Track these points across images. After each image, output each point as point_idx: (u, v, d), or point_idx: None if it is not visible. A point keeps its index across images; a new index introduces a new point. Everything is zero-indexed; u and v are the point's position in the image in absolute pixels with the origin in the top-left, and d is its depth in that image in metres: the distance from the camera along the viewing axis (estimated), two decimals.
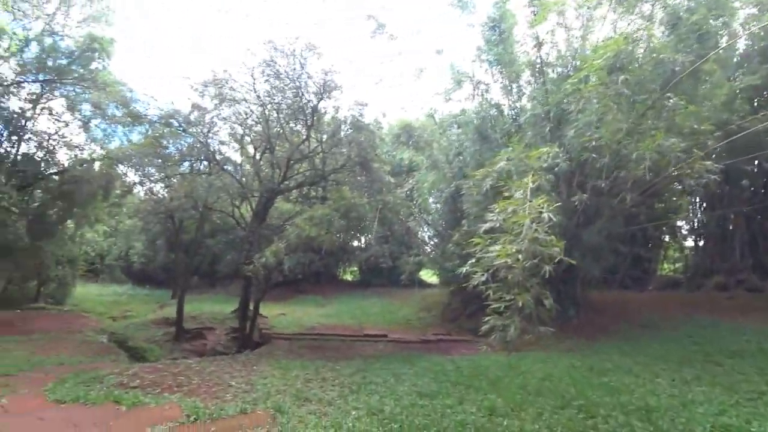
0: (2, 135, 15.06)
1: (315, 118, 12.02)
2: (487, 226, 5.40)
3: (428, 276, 28.32)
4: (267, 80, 11.73)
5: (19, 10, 12.62)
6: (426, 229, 18.34)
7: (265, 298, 12.86)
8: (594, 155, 8.87)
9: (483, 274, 5.06)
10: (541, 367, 8.02)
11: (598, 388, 6.13)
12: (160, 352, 12.31)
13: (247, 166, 14.87)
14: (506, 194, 5.52)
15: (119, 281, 29.76)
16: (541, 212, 4.74)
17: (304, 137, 12.23)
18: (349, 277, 29.06)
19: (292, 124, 12.98)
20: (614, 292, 16.09)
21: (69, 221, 17.93)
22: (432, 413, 5.01)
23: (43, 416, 4.27)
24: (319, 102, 11.87)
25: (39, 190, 16.45)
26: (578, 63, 11.49)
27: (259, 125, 13.22)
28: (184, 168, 14.28)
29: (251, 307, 12.18)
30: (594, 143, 8.79)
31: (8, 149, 15.30)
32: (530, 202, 4.83)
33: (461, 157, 14.64)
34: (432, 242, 18.05)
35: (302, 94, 11.92)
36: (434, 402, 5.41)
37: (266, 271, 7.95)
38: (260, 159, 13.54)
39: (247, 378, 6.13)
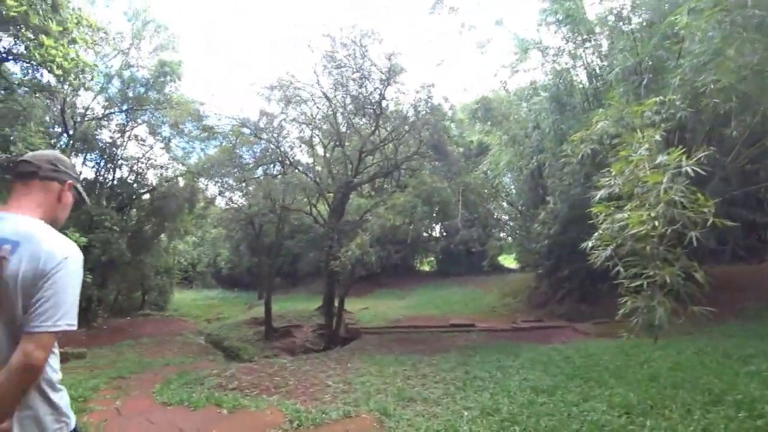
0: (99, 164, 16.52)
1: (383, 105, 11.56)
2: (602, 192, 4.57)
3: (507, 261, 27.04)
4: (329, 74, 11.48)
5: (99, 46, 13.61)
6: (505, 211, 17.21)
7: (347, 293, 12.71)
8: (715, 100, 7.45)
9: (605, 249, 4.25)
10: (662, 354, 6.86)
11: (748, 378, 4.97)
12: (252, 350, 12.67)
13: (318, 167, 14.88)
14: (622, 153, 4.59)
15: (210, 286, 31.92)
16: (680, 167, 3.81)
17: (373, 128, 11.83)
18: (426, 268, 28.58)
19: (359, 117, 12.64)
20: (724, 265, 13.92)
21: (162, 235, 19.28)
22: (556, 413, 4.29)
23: (152, 419, 4.20)
24: (385, 89, 11.39)
25: (134, 210, 17.83)
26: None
27: (326, 122, 13.06)
28: (259, 174, 14.71)
29: (336, 303, 12.07)
30: (712, 86, 7.37)
31: (105, 176, 16.75)
32: (665, 155, 3.91)
33: (539, 131, 13.41)
34: (512, 224, 16.88)
35: (367, 83, 11.53)
36: (554, 399, 4.66)
37: (352, 265, 7.65)
38: (331, 155, 13.41)
39: (343, 377, 5.81)
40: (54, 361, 1.31)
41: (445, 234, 18.31)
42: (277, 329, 13.60)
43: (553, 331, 10.77)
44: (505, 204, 16.91)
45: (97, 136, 15.89)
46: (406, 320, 13.85)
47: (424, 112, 11.07)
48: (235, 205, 18.37)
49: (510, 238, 17.73)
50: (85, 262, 1.36)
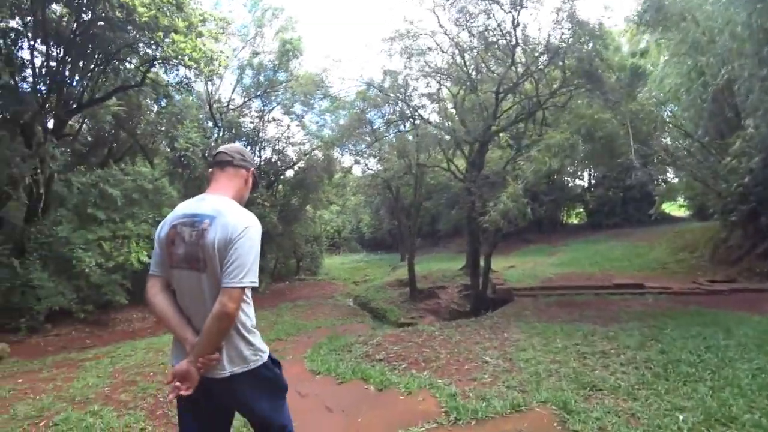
0: (246, 148, 18.07)
1: (517, 34, 9.83)
2: None
3: (671, 208, 22.42)
4: (451, 5, 10.11)
5: (226, 37, 14.57)
6: (678, 144, 13.79)
7: (493, 251, 11.68)
8: None
9: None
10: None
11: None
12: (398, 312, 12.68)
13: (449, 122, 13.79)
14: None
15: (355, 250, 33.92)
16: None
17: (509, 63, 10.20)
18: (574, 220, 25.59)
19: (491, 54, 11.05)
20: None
21: (308, 206, 20.66)
22: None
23: (302, 391, 4.01)
24: (519, 13, 9.62)
25: (280, 186, 19.28)
26: None
27: (455, 67, 11.78)
28: (391, 135, 14.37)
29: (481, 262, 11.19)
30: None
31: (254, 158, 18.36)
32: None
33: (730, 31, 9.94)
34: (688, 160, 13.38)
35: (495, 12, 9.91)
36: None
37: (504, 219, 6.60)
38: (462, 104, 12.17)
39: (502, 350, 4.96)
40: (248, 309, 1.63)
41: (603, 177, 15.53)
42: (422, 290, 13.36)
43: (761, 296, 8.22)
44: (676, 135, 13.50)
45: (241, 125, 17.35)
46: (561, 279, 12.31)
47: (569, 33, 9.02)
48: (371, 171, 18.71)
49: (684, 178, 14.22)
50: None
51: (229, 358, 1.54)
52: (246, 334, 1.60)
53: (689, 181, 13.36)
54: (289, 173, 19.44)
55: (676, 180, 16.50)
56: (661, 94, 13.33)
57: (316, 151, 18.42)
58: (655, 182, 15.20)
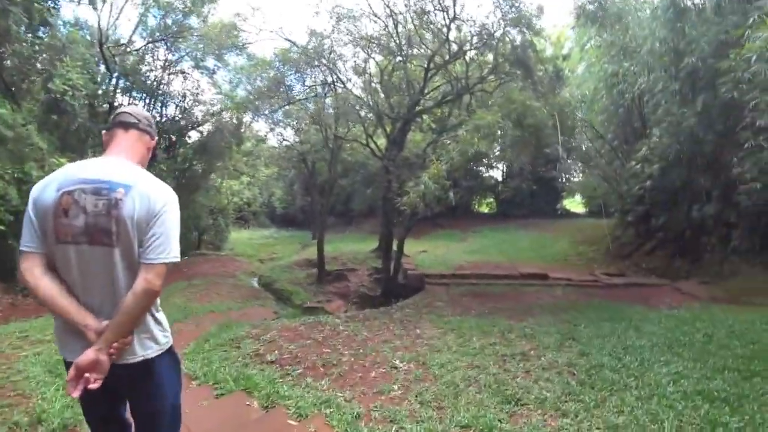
0: (146, 102, 15.56)
1: (456, 8, 9.20)
2: None
3: (572, 204, 24.42)
4: None
5: None
6: (591, 144, 14.53)
7: (407, 235, 11.27)
8: None
9: None
10: None
11: None
12: (305, 294, 11.84)
13: (372, 96, 12.99)
14: None
15: (265, 226, 31.99)
16: None
17: (444, 38, 9.55)
18: (485, 209, 26.52)
19: (425, 28, 10.33)
20: None
21: (213, 174, 18.67)
22: None
23: None
24: None
25: (182, 149, 17.03)
26: None
27: (386, 38, 10.88)
28: (310, 104, 13.25)
29: (394, 246, 10.70)
30: None
31: (153, 115, 15.73)
32: None
33: (648, 47, 10.14)
34: (601, 162, 14.15)
35: None
36: (742, 412, 2.99)
37: (423, 202, 6.03)
38: (389, 78, 11.37)
39: (413, 351, 4.37)
40: None
41: (521, 170, 15.90)
42: (331, 272, 12.62)
43: (652, 291, 8.83)
44: (590, 136, 14.21)
45: (141, 73, 15.00)
46: (471, 266, 12.36)
47: (510, 15, 8.62)
48: (287, 142, 17.36)
49: (591, 177, 15.17)
50: None
51: (139, 341, 1.45)
52: (155, 314, 1.53)
53: (596, 180, 14.17)
54: (194, 136, 17.31)
55: (581, 177, 17.51)
56: (580, 96, 13.83)
57: (227, 114, 16.44)
58: (563, 178, 15.94)
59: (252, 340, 4.93)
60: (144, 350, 1.44)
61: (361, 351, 4.37)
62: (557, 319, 5.89)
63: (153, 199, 1.35)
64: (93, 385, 1.29)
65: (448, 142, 7.18)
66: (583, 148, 12.69)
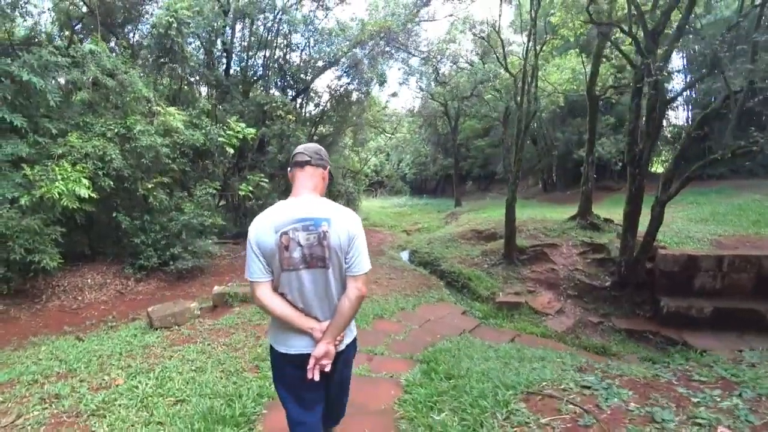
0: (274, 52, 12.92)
1: None
2: None
3: None
4: None
5: None
6: None
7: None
8: None
9: None
10: None
11: None
12: (489, 281, 8.41)
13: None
14: None
15: (399, 193, 29.30)
16: None
17: None
18: (659, 169, 19.64)
19: None
20: None
21: (348, 129, 16.26)
22: None
23: None
24: None
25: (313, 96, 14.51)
26: None
27: None
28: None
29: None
30: None
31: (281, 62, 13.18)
32: None
33: None
34: None
35: None
36: None
37: None
38: None
39: None
40: None
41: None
42: (524, 249, 8.89)
43: None
44: None
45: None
46: (734, 242, 7.96)
47: None
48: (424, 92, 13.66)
49: None
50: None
51: (348, 331, 1.78)
52: None
53: None
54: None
55: None
56: None
57: (357, 51, 13.06)
58: None
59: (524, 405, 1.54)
60: (349, 338, 1.80)
61: None
62: None
63: (349, 229, 1.63)
64: (327, 369, 1.64)
65: None
66: None
